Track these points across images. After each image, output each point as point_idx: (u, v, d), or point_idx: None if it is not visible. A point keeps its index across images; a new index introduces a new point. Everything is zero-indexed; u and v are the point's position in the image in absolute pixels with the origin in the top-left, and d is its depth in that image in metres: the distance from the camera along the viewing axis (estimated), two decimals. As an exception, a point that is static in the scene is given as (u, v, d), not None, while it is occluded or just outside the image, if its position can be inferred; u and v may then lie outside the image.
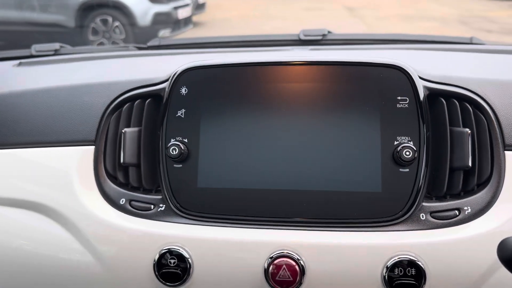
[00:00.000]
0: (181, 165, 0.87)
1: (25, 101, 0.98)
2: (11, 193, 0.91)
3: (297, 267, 0.79)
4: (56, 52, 1.42)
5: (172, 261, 0.82)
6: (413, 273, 0.77)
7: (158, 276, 0.82)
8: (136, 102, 0.93)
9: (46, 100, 0.97)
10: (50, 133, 0.93)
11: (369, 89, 0.84)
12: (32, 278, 0.91)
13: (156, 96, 0.93)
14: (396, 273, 0.77)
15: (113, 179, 0.91)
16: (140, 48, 1.47)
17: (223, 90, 0.87)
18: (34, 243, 0.90)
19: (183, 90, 0.88)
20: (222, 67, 0.89)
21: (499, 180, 0.81)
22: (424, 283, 0.76)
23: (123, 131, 0.91)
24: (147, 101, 0.93)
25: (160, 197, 0.88)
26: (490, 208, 0.80)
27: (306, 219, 0.82)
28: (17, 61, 1.30)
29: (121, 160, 0.90)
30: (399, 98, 0.83)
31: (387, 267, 0.77)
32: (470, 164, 0.82)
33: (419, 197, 0.81)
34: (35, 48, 1.42)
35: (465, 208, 0.81)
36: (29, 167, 0.92)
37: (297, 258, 0.79)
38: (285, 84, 0.86)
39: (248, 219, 0.84)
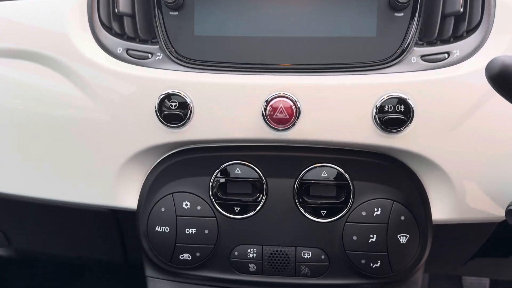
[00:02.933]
0: (177, 13, 0.87)
1: None
2: (9, 43, 0.91)
3: (293, 107, 0.83)
4: None
5: (173, 104, 0.85)
6: (401, 109, 0.82)
7: (160, 118, 0.85)
8: None
9: None
10: None
11: None
12: (36, 127, 0.93)
13: None
14: (386, 110, 0.82)
15: (109, 29, 0.91)
16: None
17: None
18: (37, 94, 0.92)
19: None
20: None
21: (488, 26, 0.84)
22: (412, 118, 0.82)
23: None
24: None
25: (157, 46, 0.89)
26: (478, 51, 0.84)
27: (303, 64, 0.85)
28: None
29: (116, 9, 0.89)
30: None
31: (376, 107, 0.82)
32: (461, 9, 0.84)
33: (411, 40, 0.84)
34: None
35: (454, 51, 0.84)
36: (24, 17, 0.91)
37: (294, 100, 0.83)
38: None
39: (246, 65, 0.86)
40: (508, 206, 0.73)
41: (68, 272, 2.09)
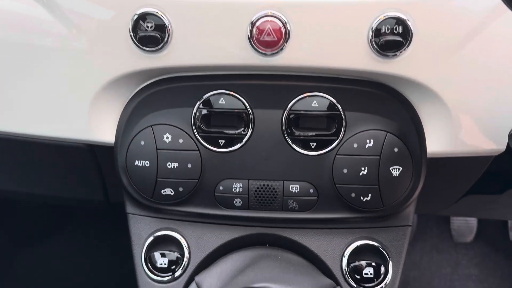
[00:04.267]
0: None
1: None
2: None
3: (282, 28, 0.75)
4: None
5: (149, 25, 0.77)
6: (399, 31, 0.75)
7: (135, 41, 0.78)
8: None
9: None
10: None
11: None
12: (3, 55, 0.86)
13: None
14: (382, 32, 0.75)
15: None
16: None
17: None
18: (3, 17, 0.83)
19: None
20: None
21: None
22: (410, 41, 0.75)
23: None
24: None
25: None
26: None
27: None
28: None
29: None
30: None
31: (372, 29, 0.75)
32: None
33: None
34: None
35: None
36: None
37: (284, 21, 0.75)
38: None
39: None
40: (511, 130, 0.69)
41: (56, 219, 2.08)
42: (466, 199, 1.05)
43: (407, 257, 2.08)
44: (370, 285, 0.87)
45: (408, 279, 2.01)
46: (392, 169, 0.83)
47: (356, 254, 0.89)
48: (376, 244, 0.89)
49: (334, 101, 0.83)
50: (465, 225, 2.03)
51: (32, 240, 2.03)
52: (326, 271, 0.89)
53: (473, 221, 2.04)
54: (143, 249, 0.92)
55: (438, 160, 0.87)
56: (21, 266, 1.98)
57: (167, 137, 0.85)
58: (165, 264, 0.90)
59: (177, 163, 0.85)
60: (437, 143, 0.84)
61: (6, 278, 1.94)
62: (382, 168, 0.82)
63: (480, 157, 0.87)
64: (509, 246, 2.11)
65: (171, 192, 0.87)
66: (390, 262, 0.88)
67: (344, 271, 0.88)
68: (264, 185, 0.86)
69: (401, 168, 0.83)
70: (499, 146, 0.83)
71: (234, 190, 0.87)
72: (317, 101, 0.83)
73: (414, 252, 2.10)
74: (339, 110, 0.83)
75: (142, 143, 0.85)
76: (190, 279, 0.89)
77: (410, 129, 0.83)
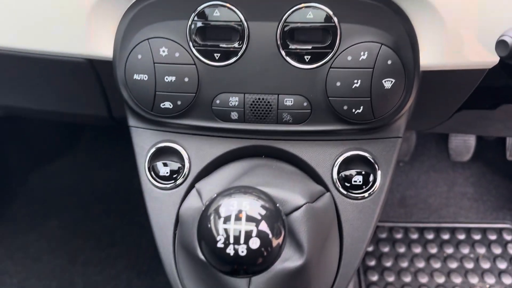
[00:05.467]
0: None
1: None
2: None
3: None
4: None
5: None
6: None
7: None
8: None
9: None
10: None
11: None
12: None
13: None
14: None
15: None
16: None
17: None
18: None
19: None
20: None
21: None
22: None
23: None
24: None
25: None
26: None
27: None
28: None
29: None
30: None
31: None
32: None
33: None
34: None
35: None
36: None
37: None
38: None
39: None
40: (499, 38, 0.69)
41: (68, 137, 2.16)
42: (460, 115, 1.07)
43: (404, 177, 2.15)
44: (359, 191, 0.92)
45: (405, 196, 2.10)
46: (385, 82, 0.84)
47: (347, 164, 0.93)
48: (366, 154, 0.93)
49: (330, 12, 0.82)
50: (463, 145, 2.07)
51: (46, 157, 2.13)
52: (317, 179, 0.94)
53: (471, 141, 2.08)
54: (146, 159, 0.97)
55: (431, 74, 0.88)
56: (36, 181, 2.10)
57: (163, 51, 0.86)
58: (167, 173, 0.96)
59: (174, 77, 0.87)
60: (430, 56, 0.85)
61: (22, 192, 2.07)
62: (375, 80, 0.84)
63: (473, 71, 0.88)
64: (506, 166, 2.17)
65: (170, 105, 0.90)
66: (379, 171, 0.93)
67: (335, 179, 0.93)
68: (259, 98, 0.89)
69: (393, 81, 0.84)
70: (492, 59, 0.84)
71: (230, 104, 0.90)
72: (312, 13, 0.83)
73: (412, 172, 2.17)
74: (334, 22, 0.83)
75: (140, 56, 0.87)
76: (191, 186, 0.95)
77: (405, 41, 0.84)
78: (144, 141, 0.98)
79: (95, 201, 2.04)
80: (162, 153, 0.97)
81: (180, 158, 0.96)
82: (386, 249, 1.92)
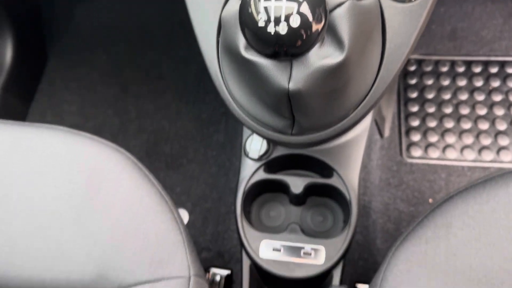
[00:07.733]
0: None
1: None
2: None
3: None
4: None
5: None
6: None
7: None
8: None
9: None
10: None
11: None
12: None
13: None
14: None
15: None
16: None
17: None
18: None
19: None
20: None
21: None
22: None
23: None
24: None
25: None
26: None
27: None
28: None
29: None
30: None
31: None
32: None
33: None
34: None
35: None
36: None
37: None
38: None
39: None
40: None
41: None
42: None
43: (458, 8, 2.01)
44: None
45: (456, 29, 1.99)
46: None
47: None
48: None
49: None
50: None
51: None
52: None
53: None
54: None
55: None
56: (81, 16, 2.13)
57: None
58: None
59: None
60: None
61: (69, 27, 2.12)
62: None
63: None
64: None
65: None
66: None
67: None
68: None
69: None
70: None
71: None
72: None
73: (467, 2, 2.02)
74: None
75: None
76: None
77: None
78: None
79: (140, 35, 2.08)
80: None
81: None
82: (429, 82, 1.90)
